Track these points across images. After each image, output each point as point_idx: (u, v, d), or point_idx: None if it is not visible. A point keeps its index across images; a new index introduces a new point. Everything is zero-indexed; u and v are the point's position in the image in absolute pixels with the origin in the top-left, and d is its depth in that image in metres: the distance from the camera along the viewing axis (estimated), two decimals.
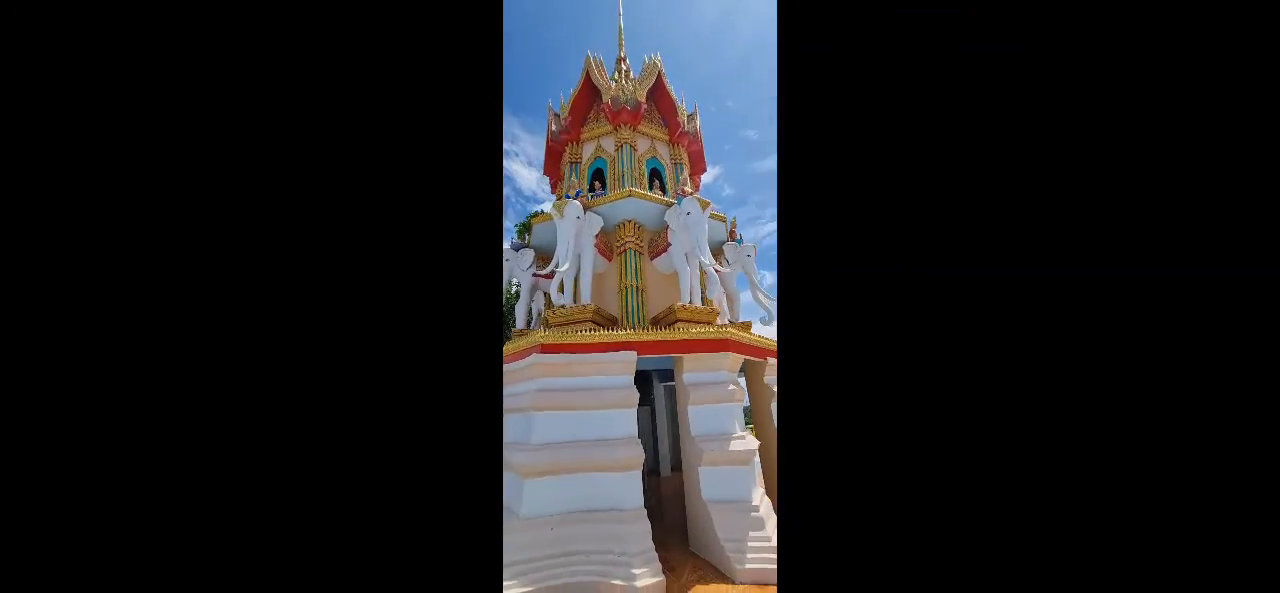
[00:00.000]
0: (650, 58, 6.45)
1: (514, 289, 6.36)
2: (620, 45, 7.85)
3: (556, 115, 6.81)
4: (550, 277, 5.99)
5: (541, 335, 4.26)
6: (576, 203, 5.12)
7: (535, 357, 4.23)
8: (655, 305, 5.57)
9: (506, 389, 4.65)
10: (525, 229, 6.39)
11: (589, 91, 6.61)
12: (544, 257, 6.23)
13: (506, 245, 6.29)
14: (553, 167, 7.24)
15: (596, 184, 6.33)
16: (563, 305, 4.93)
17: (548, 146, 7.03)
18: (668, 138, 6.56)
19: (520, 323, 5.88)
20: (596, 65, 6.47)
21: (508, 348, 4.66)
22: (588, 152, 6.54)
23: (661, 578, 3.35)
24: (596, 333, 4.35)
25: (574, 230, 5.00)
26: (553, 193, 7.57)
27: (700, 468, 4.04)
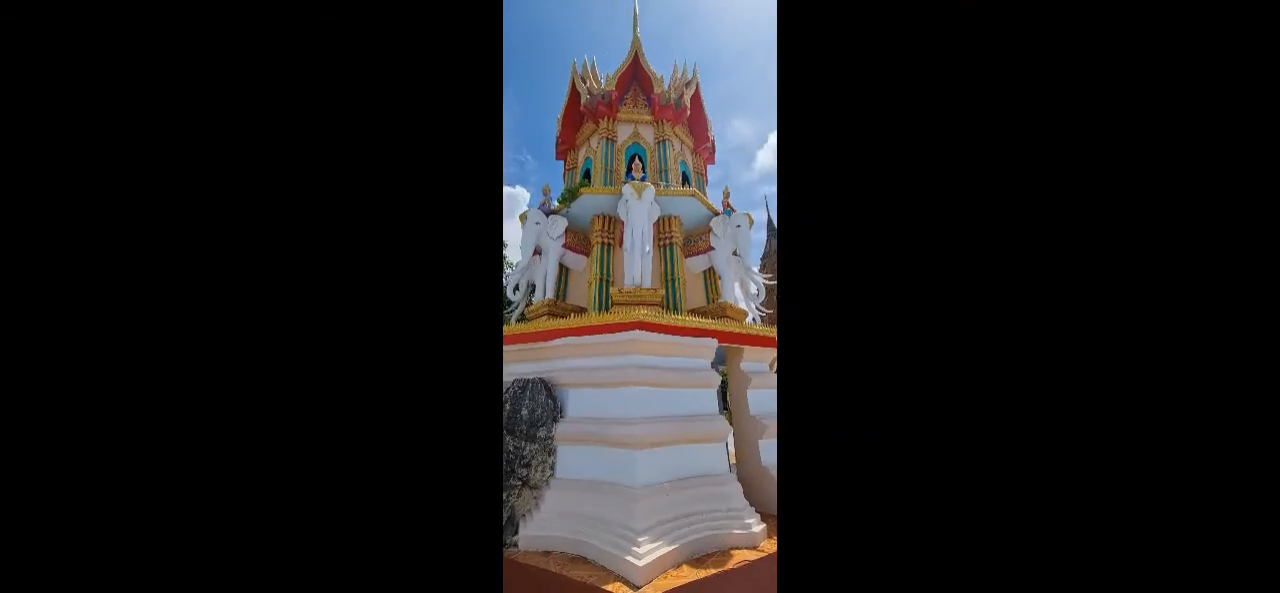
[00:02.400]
0: (687, 68, 6.78)
1: (534, 255, 5.92)
2: (635, 31, 7.90)
3: (582, 79, 6.57)
4: (587, 252, 5.90)
5: (642, 313, 4.43)
6: (651, 187, 5.29)
7: (638, 334, 4.38)
8: (689, 300, 6.10)
9: (590, 361, 4.59)
10: (571, 195, 5.94)
11: (630, 74, 6.61)
12: (574, 230, 6.04)
13: (535, 207, 5.86)
14: (570, 130, 6.91)
15: (633, 167, 6.43)
16: (633, 285, 5.07)
17: (571, 108, 6.70)
18: (694, 147, 7.09)
19: (551, 293, 5.62)
20: (643, 53, 6.54)
21: (596, 319, 4.60)
22: (624, 132, 6.55)
23: (765, 525, 4.11)
24: (684, 317, 4.74)
25: (646, 214, 5.18)
26: (559, 158, 7.18)
27: (760, 441, 4.90)
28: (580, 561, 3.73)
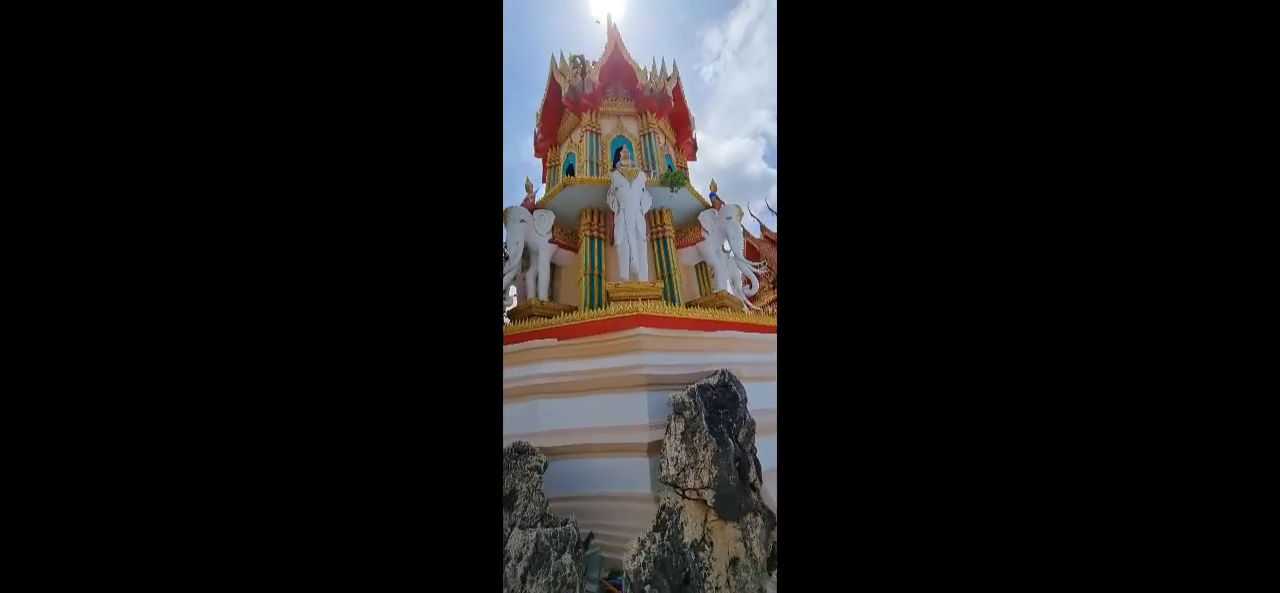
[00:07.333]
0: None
1: (620, 239, 4.62)
2: (610, 21, 7.09)
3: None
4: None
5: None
6: (642, 173, 5.21)
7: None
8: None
9: (761, 357, 4.69)
10: (678, 179, 4.94)
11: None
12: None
13: (642, 177, 4.95)
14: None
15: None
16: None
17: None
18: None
19: (645, 274, 4.73)
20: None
21: (756, 318, 4.78)
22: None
23: None
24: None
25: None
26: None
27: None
28: None
